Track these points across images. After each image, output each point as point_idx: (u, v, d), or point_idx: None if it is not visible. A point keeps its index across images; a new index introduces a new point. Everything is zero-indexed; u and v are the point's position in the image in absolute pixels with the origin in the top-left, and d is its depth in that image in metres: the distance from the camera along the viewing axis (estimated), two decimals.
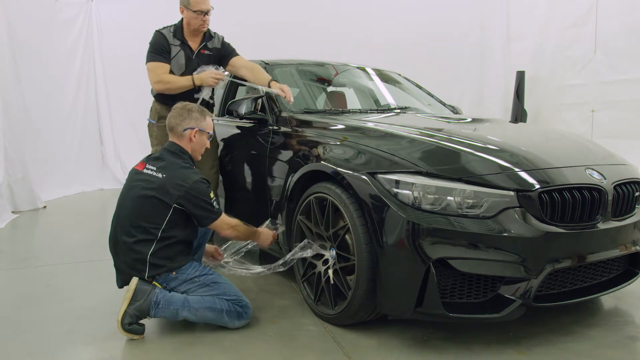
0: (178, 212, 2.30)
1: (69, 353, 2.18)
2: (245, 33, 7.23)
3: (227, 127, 3.55)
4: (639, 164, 2.74)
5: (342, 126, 2.76)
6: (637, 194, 2.40)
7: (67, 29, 6.86)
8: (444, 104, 3.95)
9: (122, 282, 2.41)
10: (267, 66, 3.48)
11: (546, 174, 2.15)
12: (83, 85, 6.96)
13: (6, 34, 5.42)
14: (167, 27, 3.24)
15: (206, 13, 3.15)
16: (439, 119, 3.22)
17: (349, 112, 3.33)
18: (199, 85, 3.12)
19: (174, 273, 2.33)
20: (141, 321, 2.30)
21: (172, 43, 3.16)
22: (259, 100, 3.16)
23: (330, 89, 3.80)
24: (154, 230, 2.28)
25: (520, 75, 6.55)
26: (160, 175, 2.33)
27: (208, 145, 2.59)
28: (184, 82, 3.10)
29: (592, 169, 2.27)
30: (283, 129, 2.93)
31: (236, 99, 3.39)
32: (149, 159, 2.43)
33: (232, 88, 3.87)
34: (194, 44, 3.23)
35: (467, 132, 2.64)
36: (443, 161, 2.19)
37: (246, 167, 3.21)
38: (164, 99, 3.20)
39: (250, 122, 3.22)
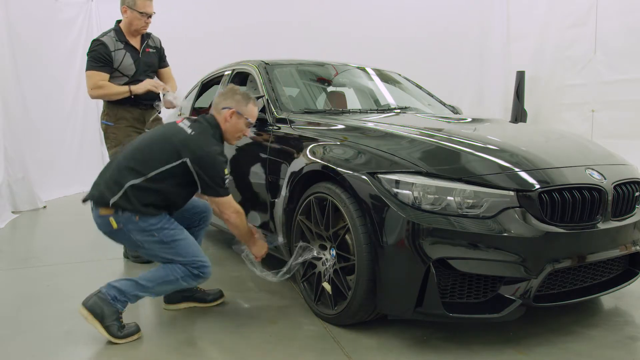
0: (181, 169, 2.26)
1: (69, 353, 2.18)
2: (246, 33, 7.25)
3: None
4: (639, 164, 2.73)
5: (342, 126, 2.76)
6: (637, 194, 2.40)
7: (67, 29, 6.86)
8: (444, 104, 3.95)
9: (89, 196, 2.32)
10: (267, 66, 3.48)
11: (546, 174, 2.15)
12: (83, 85, 6.94)
13: (6, 34, 5.43)
14: (106, 33, 3.31)
15: (149, 16, 3.30)
16: (439, 119, 3.22)
17: (349, 112, 3.32)
18: (135, 93, 3.24)
19: (137, 218, 2.25)
20: (133, 322, 2.30)
21: (115, 48, 3.24)
22: (260, 101, 3.16)
23: (330, 89, 3.80)
24: (149, 169, 2.25)
25: (520, 75, 6.55)
26: (189, 131, 2.33)
27: (246, 132, 2.56)
28: (120, 89, 3.23)
29: (592, 169, 2.27)
30: (283, 129, 2.93)
31: None
32: (188, 119, 2.45)
33: None
34: (136, 44, 3.35)
35: (467, 132, 2.64)
36: (443, 161, 2.19)
37: (246, 168, 3.21)
38: (122, 100, 3.28)
39: None
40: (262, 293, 2.84)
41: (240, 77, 3.86)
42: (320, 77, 3.77)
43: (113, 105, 3.32)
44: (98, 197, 2.27)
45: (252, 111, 2.53)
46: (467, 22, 7.50)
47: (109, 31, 3.32)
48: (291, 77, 3.63)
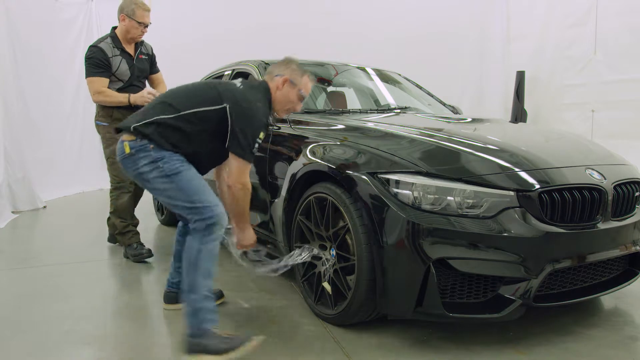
0: (219, 116, 2.11)
1: (69, 353, 2.18)
2: (246, 33, 7.25)
3: None
4: (639, 164, 2.73)
5: (342, 126, 2.76)
6: (637, 194, 2.40)
7: (67, 29, 6.86)
8: (444, 104, 3.95)
9: (121, 125, 2.20)
10: (267, 66, 3.48)
11: (546, 174, 2.15)
12: (83, 85, 6.94)
13: (7, 33, 5.43)
14: (103, 39, 3.46)
15: (146, 26, 3.48)
16: (439, 119, 3.22)
17: (349, 112, 3.33)
18: (133, 103, 3.37)
19: (152, 146, 2.09)
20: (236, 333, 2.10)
21: (113, 55, 3.40)
22: None
23: (330, 89, 3.80)
24: (185, 107, 2.12)
25: (520, 75, 6.54)
26: (238, 84, 2.24)
27: (297, 106, 2.39)
28: (121, 98, 3.39)
29: (592, 169, 2.27)
30: (283, 129, 2.92)
31: None
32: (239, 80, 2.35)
33: None
34: (131, 50, 3.52)
35: (467, 132, 2.64)
36: (443, 161, 2.19)
37: None
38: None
39: None
40: (262, 293, 2.84)
41: (240, 77, 3.85)
42: (320, 77, 3.77)
43: (108, 107, 3.46)
44: (125, 124, 2.16)
45: (307, 84, 2.37)
46: (467, 22, 7.49)
47: (106, 37, 3.47)
48: None
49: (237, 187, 2.16)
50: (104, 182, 7.04)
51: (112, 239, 3.86)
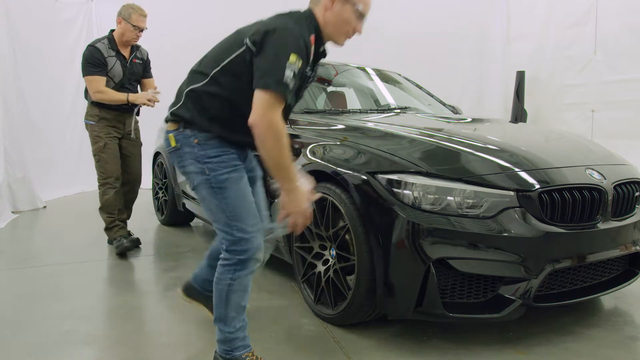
0: (245, 59, 1.72)
1: (69, 353, 2.18)
2: None
3: None
4: (639, 164, 2.73)
5: (342, 126, 2.76)
6: (637, 194, 2.40)
7: (67, 29, 6.86)
8: (444, 104, 3.95)
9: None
10: None
11: (546, 174, 2.15)
12: (83, 85, 6.95)
13: (7, 33, 5.43)
14: (99, 40, 3.61)
15: (141, 30, 3.60)
16: (439, 119, 3.22)
17: (349, 112, 3.33)
18: (133, 102, 3.57)
19: (196, 141, 1.78)
20: None
21: (108, 55, 3.54)
22: None
23: (330, 89, 3.80)
24: (212, 67, 1.81)
25: (520, 75, 6.54)
26: (267, 19, 1.83)
27: (358, 27, 1.94)
28: (120, 96, 3.54)
29: (592, 169, 2.27)
30: None
31: None
32: None
33: None
34: (126, 53, 3.66)
35: (467, 132, 2.64)
36: (443, 161, 2.19)
37: None
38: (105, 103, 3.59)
39: None
40: (262, 293, 2.84)
41: None
42: (320, 77, 3.77)
43: (96, 106, 3.61)
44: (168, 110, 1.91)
45: (368, 2, 1.95)
46: (467, 22, 7.48)
47: (103, 38, 3.61)
48: None
49: (262, 127, 1.63)
50: None
51: (111, 241, 3.83)
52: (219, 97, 1.79)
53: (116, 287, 3.06)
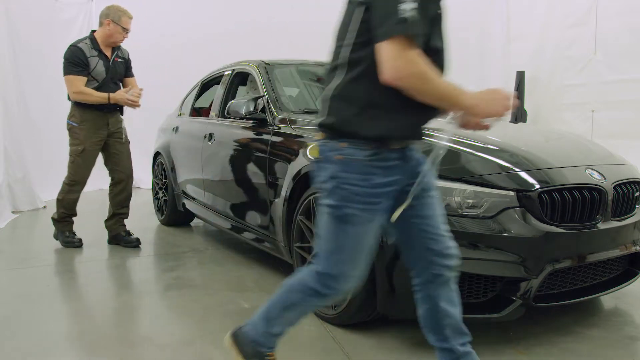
0: (365, 17, 1.43)
1: (68, 353, 2.18)
2: (245, 33, 7.24)
3: (227, 128, 3.55)
4: (639, 164, 2.73)
5: None
6: (637, 194, 2.40)
7: (68, 29, 6.85)
8: None
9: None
10: (267, 66, 3.48)
11: (546, 174, 2.15)
12: None
13: (7, 33, 5.43)
14: (82, 40, 3.65)
15: (128, 31, 3.72)
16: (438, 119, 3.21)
17: None
18: (114, 102, 3.61)
19: (340, 157, 1.46)
20: None
21: (90, 55, 3.59)
22: (260, 101, 3.17)
23: None
24: (344, 51, 1.49)
25: (520, 75, 6.54)
26: None
27: None
28: (101, 96, 3.57)
29: (592, 169, 2.27)
30: (283, 129, 2.92)
31: (236, 99, 3.40)
32: None
33: (231, 89, 3.87)
34: (108, 53, 3.71)
35: (467, 132, 2.64)
36: (443, 161, 2.18)
37: (246, 167, 3.21)
38: (88, 104, 3.63)
39: (250, 122, 3.23)
40: (262, 293, 2.84)
41: (241, 77, 3.86)
42: (320, 77, 3.77)
43: (80, 108, 3.63)
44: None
45: None
46: (467, 22, 7.49)
47: (85, 39, 3.66)
48: (291, 77, 3.63)
49: (396, 76, 1.35)
50: (104, 182, 7.00)
51: (112, 240, 3.94)
52: (364, 78, 1.45)
53: (116, 287, 3.06)
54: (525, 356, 2.07)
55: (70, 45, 3.60)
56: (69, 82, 3.57)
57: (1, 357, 2.12)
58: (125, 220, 3.94)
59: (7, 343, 2.25)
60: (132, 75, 3.91)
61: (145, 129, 6.27)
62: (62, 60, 3.61)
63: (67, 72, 3.57)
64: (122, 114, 3.85)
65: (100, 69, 3.61)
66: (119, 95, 3.60)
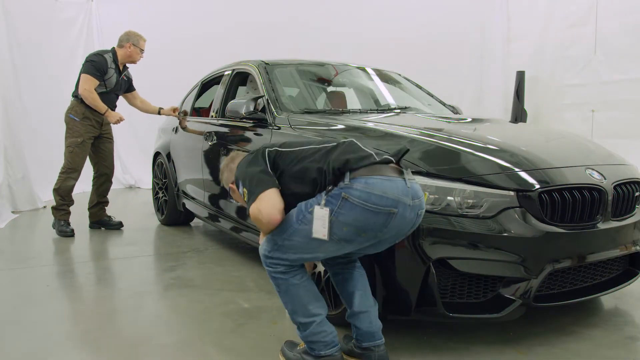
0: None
1: (69, 353, 2.18)
2: (245, 32, 7.25)
3: (227, 127, 3.55)
4: (639, 164, 2.73)
5: (342, 126, 2.76)
6: (637, 194, 2.40)
7: (67, 29, 6.86)
8: (444, 104, 3.95)
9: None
10: (267, 66, 3.48)
11: (546, 174, 2.15)
12: None
13: (6, 33, 5.43)
14: (106, 52, 4.26)
15: (143, 51, 4.39)
16: (439, 119, 3.22)
17: (349, 112, 3.32)
18: (105, 117, 4.19)
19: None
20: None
21: (109, 66, 4.21)
22: (260, 101, 3.17)
23: (330, 89, 3.80)
24: None
25: (520, 75, 6.54)
26: None
27: None
28: (101, 105, 4.12)
29: (592, 169, 2.27)
30: (283, 129, 2.92)
31: (236, 99, 3.40)
32: None
33: (231, 89, 3.87)
34: (120, 69, 4.35)
35: (467, 132, 2.64)
36: (443, 161, 2.19)
37: None
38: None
39: (250, 122, 3.23)
40: (262, 293, 2.84)
41: (241, 77, 3.86)
42: (320, 77, 3.77)
43: (82, 105, 4.16)
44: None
45: None
46: (467, 22, 7.49)
47: (107, 52, 4.26)
48: (291, 77, 3.63)
49: None
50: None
51: (93, 225, 4.50)
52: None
53: (116, 287, 3.06)
54: (525, 356, 2.07)
55: (98, 54, 4.21)
56: (85, 80, 4.08)
57: (1, 357, 2.12)
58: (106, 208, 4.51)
59: (7, 343, 2.25)
60: (134, 89, 4.58)
61: (145, 129, 6.28)
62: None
63: (87, 71, 4.10)
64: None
65: (112, 80, 4.23)
66: (113, 116, 4.17)
